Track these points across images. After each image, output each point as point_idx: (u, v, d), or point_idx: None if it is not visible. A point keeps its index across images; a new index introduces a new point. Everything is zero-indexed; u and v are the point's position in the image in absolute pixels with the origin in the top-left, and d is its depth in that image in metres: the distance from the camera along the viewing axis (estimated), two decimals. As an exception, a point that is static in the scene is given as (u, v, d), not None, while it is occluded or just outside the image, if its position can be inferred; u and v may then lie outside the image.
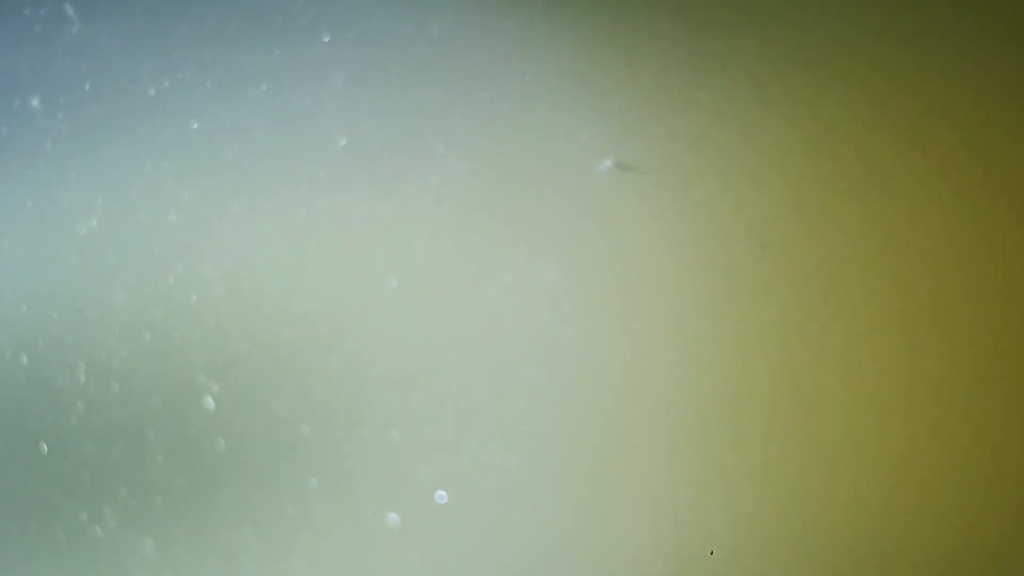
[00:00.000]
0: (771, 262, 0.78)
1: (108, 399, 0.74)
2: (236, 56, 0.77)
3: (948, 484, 0.75)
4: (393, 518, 0.73)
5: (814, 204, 0.79)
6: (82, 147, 0.77)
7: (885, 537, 0.74)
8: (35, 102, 0.77)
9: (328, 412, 0.74)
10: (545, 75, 0.79)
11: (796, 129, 0.79)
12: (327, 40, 0.77)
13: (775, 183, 0.80)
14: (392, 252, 0.77)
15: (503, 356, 0.76)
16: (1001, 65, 0.79)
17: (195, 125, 0.77)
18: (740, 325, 0.77)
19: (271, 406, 0.74)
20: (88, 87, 0.77)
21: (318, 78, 0.77)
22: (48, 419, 0.73)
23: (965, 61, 0.79)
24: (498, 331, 0.77)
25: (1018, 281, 0.78)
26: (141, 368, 0.74)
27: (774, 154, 0.79)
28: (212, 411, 0.73)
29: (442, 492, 0.73)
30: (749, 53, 0.79)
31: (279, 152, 0.77)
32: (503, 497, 0.74)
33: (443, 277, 0.77)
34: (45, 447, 0.73)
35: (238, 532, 0.72)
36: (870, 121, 0.79)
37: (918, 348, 0.76)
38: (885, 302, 0.77)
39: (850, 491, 0.75)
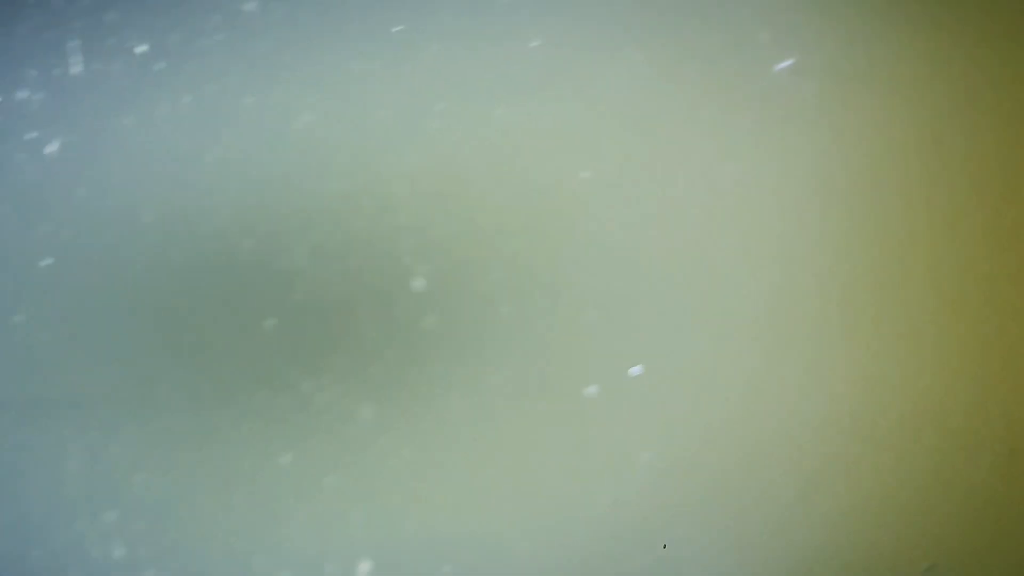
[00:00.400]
0: (944, 160, 0.83)
1: (327, 280, 0.80)
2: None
3: None
4: (591, 390, 0.79)
5: (987, 101, 0.83)
6: (294, 48, 0.84)
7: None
8: (251, 6, 0.84)
9: (529, 291, 0.80)
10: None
11: (967, 28, 0.84)
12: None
13: (943, 84, 0.85)
14: (584, 148, 0.83)
15: (690, 243, 0.82)
16: None
17: (399, 28, 0.83)
18: (917, 222, 0.82)
19: (476, 287, 0.80)
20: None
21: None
22: (272, 298, 0.80)
23: None
24: (684, 221, 0.83)
25: None
26: (356, 251, 0.80)
27: (944, 55, 0.84)
28: (422, 291, 0.80)
29: (637, 367, 0.79)
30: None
31: (478, 53, 0.83)
32: (695, 370, 0.80)
33: (632, 172, 0.83)
34: (271, 323, 0.80)
35: (448, 399, 0.79)
36: None
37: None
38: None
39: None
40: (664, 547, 0.77)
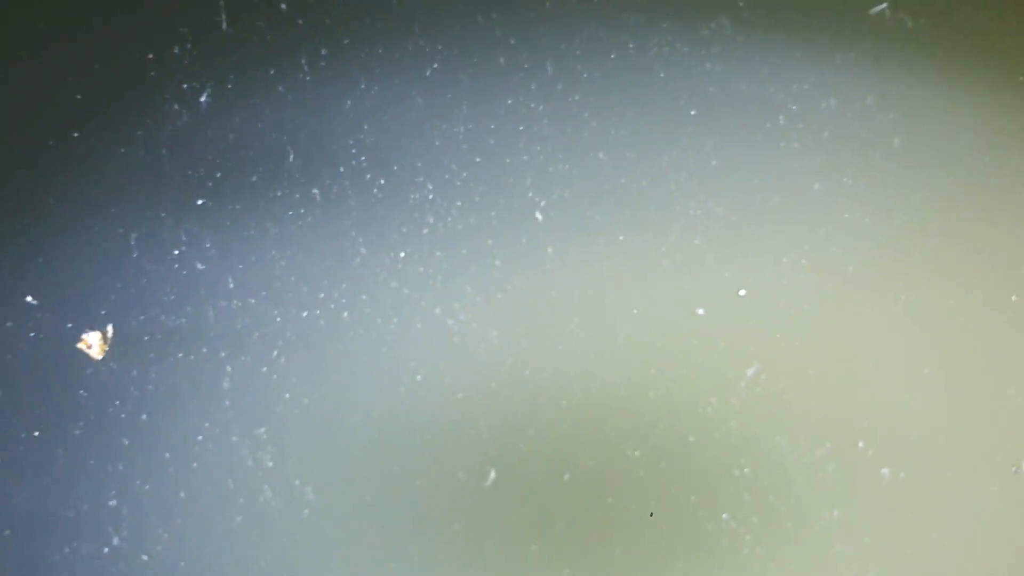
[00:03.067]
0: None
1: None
2: None
3: None
4: (700, 310, 0.86)
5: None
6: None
7: None
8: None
9: (640, 227, 0.87)
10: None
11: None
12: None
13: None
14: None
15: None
16: None
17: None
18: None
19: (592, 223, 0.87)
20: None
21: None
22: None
23: None
24: (749, 169, 0.89)
25: None
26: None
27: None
28: (495, 268, 0.87)
29: (743, 291, 0.86)
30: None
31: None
32: (795, 292, 0.86)
33: (728, 106, 0.90)
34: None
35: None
36: None
37: None
38: None
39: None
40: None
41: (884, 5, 0.87)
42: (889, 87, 0.87)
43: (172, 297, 0.88)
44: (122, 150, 0.90)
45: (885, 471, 0.83)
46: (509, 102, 0.89)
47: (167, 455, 0.86)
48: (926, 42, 0.88)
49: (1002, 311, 0.84)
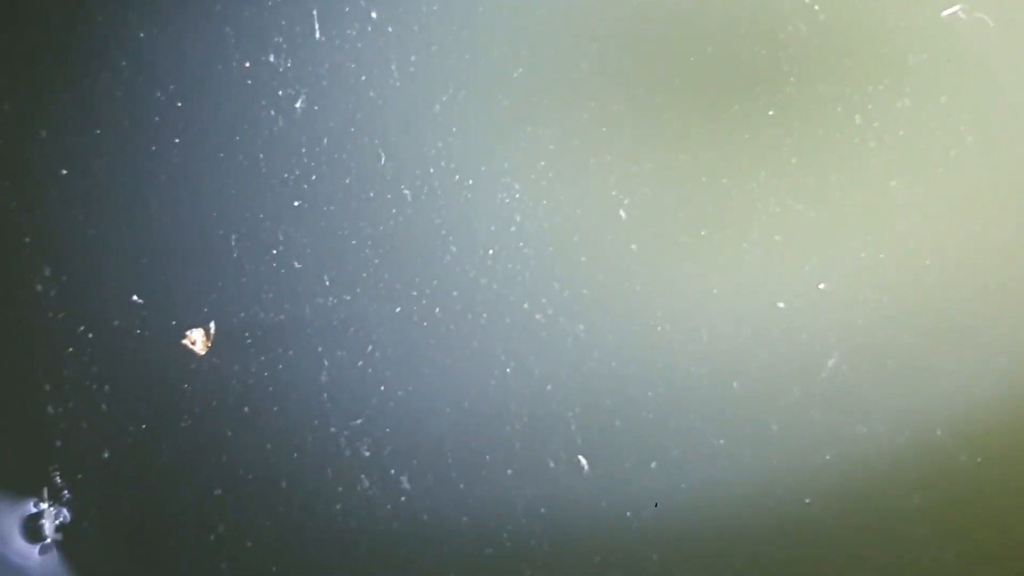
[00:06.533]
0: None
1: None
2: None
3: None
4: (780, 304, 0.89)
5: None
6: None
7: None
8: None
9: (721, 224, 0.90)
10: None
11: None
12: None
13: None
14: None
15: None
16: None
17: None
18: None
19: (675, 220, 0.90)
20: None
21: None
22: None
23: None
24: (827, 167, 0.91)
25: None
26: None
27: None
28: (580, 265, 0.90)
29: (823, 284, 0.89)
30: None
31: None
32: (873, 285, 0.89)
33: (806, 106, 0.92)
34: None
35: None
36: None
37: None
38: None
39: None
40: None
41: (957, 8, 0.90)
42: (961, 87, 0.89)
43: (271, 295, 0.91)
44: (221, 155, 0.93)
45: (962, 457, 0.85)
46: (592, 104, 0.92)
47: (269, 446, 0.90)
48: (996, 43, 0.90)
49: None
